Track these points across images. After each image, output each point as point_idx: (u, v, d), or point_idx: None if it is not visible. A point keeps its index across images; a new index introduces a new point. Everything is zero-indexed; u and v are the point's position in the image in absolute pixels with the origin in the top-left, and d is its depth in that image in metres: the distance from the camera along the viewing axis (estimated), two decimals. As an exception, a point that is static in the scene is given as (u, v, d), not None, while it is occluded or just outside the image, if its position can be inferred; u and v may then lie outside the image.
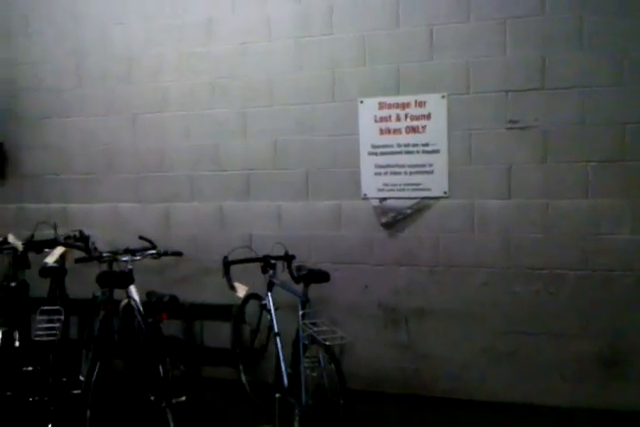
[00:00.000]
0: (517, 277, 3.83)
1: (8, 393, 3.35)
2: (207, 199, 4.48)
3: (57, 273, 3.67)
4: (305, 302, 3.29)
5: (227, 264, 3.79)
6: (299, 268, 3.50)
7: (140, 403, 3.48)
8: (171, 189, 4.55)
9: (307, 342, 3.16)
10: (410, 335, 4.06)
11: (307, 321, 3.16)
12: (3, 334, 3.53)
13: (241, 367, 4.09)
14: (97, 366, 3.16)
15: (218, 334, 4.37)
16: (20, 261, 4.13)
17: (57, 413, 3.23)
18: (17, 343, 3.47)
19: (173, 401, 3.20)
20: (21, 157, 4.87)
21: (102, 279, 3.40)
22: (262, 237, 4.28)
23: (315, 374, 3.20)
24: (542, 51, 3.69)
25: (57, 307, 3.31)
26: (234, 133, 4.39)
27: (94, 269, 3.94)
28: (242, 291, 3.73)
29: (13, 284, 3.56)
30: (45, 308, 3.32)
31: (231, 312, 4.19)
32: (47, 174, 4.80)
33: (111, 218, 4.67)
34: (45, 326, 3.20)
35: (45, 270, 3.64)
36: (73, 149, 4.73)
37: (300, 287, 3.49)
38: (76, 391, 3.63)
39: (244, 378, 4.05)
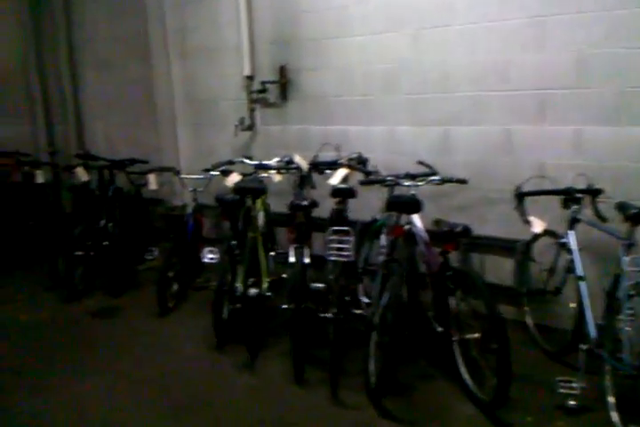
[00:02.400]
0: None
1: (292, 306, 3.52)
2: (492, 122, 4.04)
3: (347, 194, 3.66)
4: (630, 245, 2.76)
5: (520, 195, 3.40)
6: (622, 205, 2.93)
7: (426, 334, 3.42)
8: (452, 110, 4.21)
9: (631, 293, 2.67)
10: None
11: (633, 269, 2.66)
12: (295, 249, 3.69)
13: (526, 309, 3.77)
14: (385, 291, 3.12)
15: (498, 270, 4.06)
16: (305, 181, 4.27)
17: (340, 330, 3.30)
18: (307, 260, 3.59)
19: (465, 337, 3.04)
20: (303, 79, 4.95)
21: (392, 204, 3.28)
22: (557, 166, 3.75)
23: (629, 330, 2.72)
24: None
25: (346, 228, 3.30)
26: (526, 47, 3.81)
27: (368, 193, 3.91)
28: (538, 226, 3.32)
29: (305, 202, 3.64)
30: (336, 228, 3.33)
31: (515, 248, 3.82)
32: (328, 96, 4.81)
33: (388, 141, 4.53)
34: (337, 246, 3.23)
35: (338, 191, 3.65)
36: (353, 69, 4.63)
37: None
38: (357, 311, 3.70)
39: (529, 320, 3.73)
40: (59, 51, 6.71)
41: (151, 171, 5.40)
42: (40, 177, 6.22)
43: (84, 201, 5.28)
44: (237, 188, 3.96)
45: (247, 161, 4.59)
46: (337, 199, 3.77)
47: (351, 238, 3.25)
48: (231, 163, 4.58)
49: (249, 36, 5.11)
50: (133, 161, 5.65)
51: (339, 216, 3.75)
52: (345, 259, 3.16)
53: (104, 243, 5.30)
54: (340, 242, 3.25)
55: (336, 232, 3.26)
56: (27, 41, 7.04)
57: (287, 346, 3.62)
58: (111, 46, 6.35)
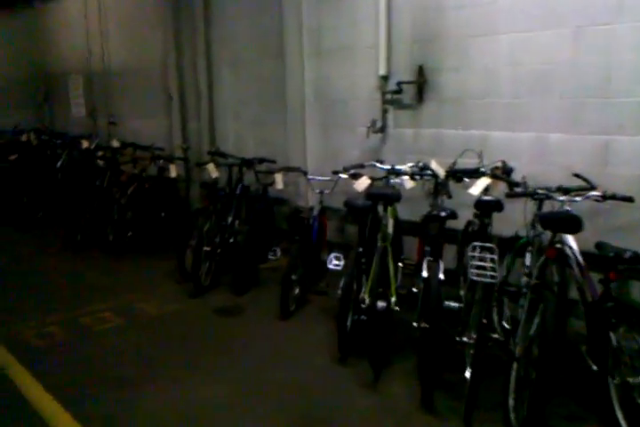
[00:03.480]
0: None
1: (425, 325, 3.27)
2: (664, 133, 3.55)
3: (494, 207, 3.35)
4: None
5: None
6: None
7: (575, 369, 3.04)
8: (614, 117, 3.74)
9: None
10: None
11: None
12: (428, 263, 3.44)
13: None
14: (533, 319, 2.80)
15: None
16: (440, 189, 4.00)
17: (479, 357, 3.00)
18: (441, 276, 3.32)
19: (628, 380, 2.64)
20: (442, 80, 4.66)
21: (547, 221, 2.94)
22: None
23: None
24: None
25: (490, 245, 3.00)
26: None
27: (508, 205, 3.56)
28: None
29: (444, 213, 3.38)
30: (479, 244, 3.04)
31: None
32: (469, 98, 4.49)
33: (536, 149, 4.13)
34: (478, 264, 2.94)
35: (484, 204, 3.35)
36: (500, 69, 4.28)
37: None
38: (495, 336, 3.38)
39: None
40: (197, 49, 6.91)
41: (279, 170, 5.38)
42: (173, 171, 6.46)
43: (212, 197, 5.36)
44: (371, 193, 3.78)
45: (379, 165, 4.40)
46: (479, 212, 3.46)
47: (496, 257, 2.95)
48: (362, 166, 4.41)
49: (387, 35, 4.90)
50: (262, 160, 5.67)
51: (481, 231, 3.44)
52: (490, 280, 2.87)
53: (230, 240, 5.39)
54: (482, 260, 2.96)
55: (478, 249, 2.98)
56: (167, 40, 7.34)
57: (413, 365, 3.39)
58: (246, 44, 6.42)
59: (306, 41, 5.65)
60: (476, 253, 2.97)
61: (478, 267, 2.93)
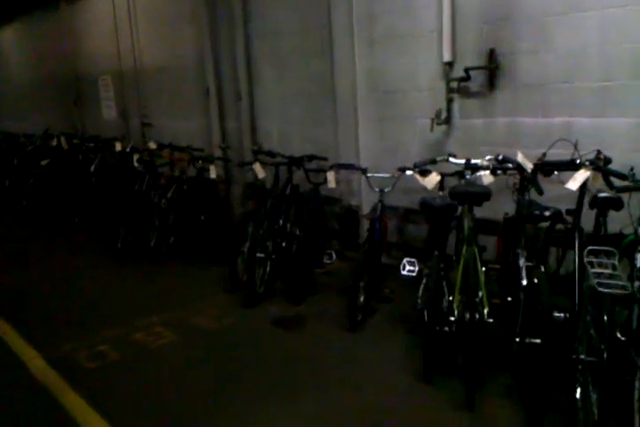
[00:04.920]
0: None
1: (533, 341, 2.86)
2: None
3: (614, 205, 2.93)
4: None
5: None
6: None
7: None
8: None
9: None
10: None
11: None
12: (527, 268, 3.03)
13: None
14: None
15: None
16: (528, 184, 3.58)
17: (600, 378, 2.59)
18: (543, 283, 2.91)
19: None
20: (518, 65, 4.22)
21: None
22: None
23: None
24: None
25: (611, 249, 2.58)
26: None
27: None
28: None
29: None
30: (593, 248, 2.63)
31: None
32: (550, 83, 4.05)
33: (635, 137, 3.69)
34: (596, 271, 2.53)
35: (602, 201, 2.93)
36: (586, 51, 3.83)
37: None
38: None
39: None
40: (235, 44, 6.54)
41: (332, 168, 5.01)
42: (213, 172, 6.12)
43: (262, 199, 5.00)
44: (456, 192, 3.37)
45: (452, 160, 3.98)
46: (597, 210, 3.03)
47: (617, 262, 2.54)
48: (434, 162, 4.01)
49: (451, 17, 4.48)
50: (313, 157, 5.30)
51: (598, 231, 3.01)
52: (620, 291, 2.44)
53: (282, 244, 5.03)
54: (600, 265, 2.54)
55: (595, 253, 2.56)
56: (202, 36, 6.99)
57: (511, 384, 2.99)
58: (290, 37, 6.04)
59: (357, 30, 5.24)
60: (596, 259, 2.56)
61: (599, 275, 2.51)
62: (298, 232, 5.00)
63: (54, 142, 9.16)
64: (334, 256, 4.98)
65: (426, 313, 3.30)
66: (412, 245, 5.18)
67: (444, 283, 3.48)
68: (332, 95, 5.58)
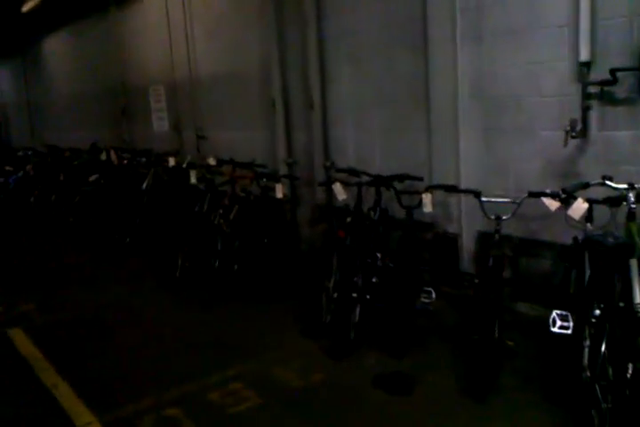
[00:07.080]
0: None
1: None
2: None
3: None
4: None
5: None
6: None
7: None
8: None
9: None
10: None
11: None
12: None
13: None
14: None
15: None
16: None
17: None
18: None
19: None
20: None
21: None
22: None
23: None
24: None
25: None
26: None
27: None
28: None
29: None
30: None
31: None
32: None
33: None
34: None
35: None
36: None
37: None
38: None
39: None
40: (307, 47, 5.83)
41: (428, 189, 4.22)
42: (279, 191, 5.42)
43: (349, 226, 4.24)
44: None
45: (610, 183, 3.14)
46: None
47: None
48: (587, 186, 3.17)
49: (590, 8, 3.65)
50: (405, 177, 4.51)
51: None
52: None
53: (373, 280, 4.25)
54: None
55: None
56: (268, 39, 6.31)
57: None
58: (372, 36, 5.28)
59: (460, 24, 4.45)
60: None
61: None
62: (392, 266, 4.22)
63: (103, 156, 8.63)
64: (434, 294, 4.17)
65: (598, 390, 2.46)
66: (532, 282, 4.32)
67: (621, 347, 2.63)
68: (425, 101, 4.79)
